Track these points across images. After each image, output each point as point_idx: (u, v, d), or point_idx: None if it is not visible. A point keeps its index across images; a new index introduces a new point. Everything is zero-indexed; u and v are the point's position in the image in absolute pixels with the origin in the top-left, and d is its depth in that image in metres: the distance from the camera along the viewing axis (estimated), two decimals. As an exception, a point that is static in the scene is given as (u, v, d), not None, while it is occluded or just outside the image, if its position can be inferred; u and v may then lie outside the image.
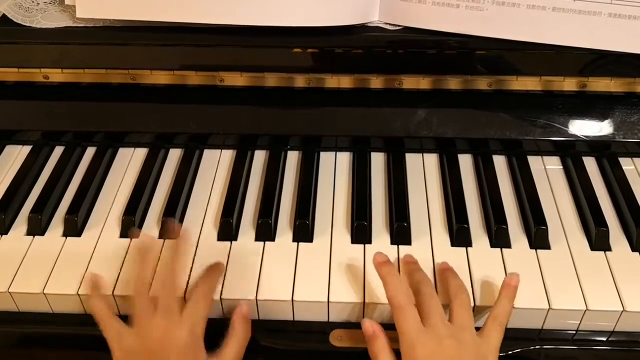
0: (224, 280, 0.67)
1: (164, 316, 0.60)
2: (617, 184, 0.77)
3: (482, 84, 0.79)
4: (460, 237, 0.71)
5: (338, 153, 0.83)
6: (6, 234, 0.73)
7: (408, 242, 0.71)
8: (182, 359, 0.59)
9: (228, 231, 0.72)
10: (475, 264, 0.68)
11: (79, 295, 0.67)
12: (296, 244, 0.71)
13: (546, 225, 0.71)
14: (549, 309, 0.64)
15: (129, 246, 0.71)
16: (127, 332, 0.61)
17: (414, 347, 0.58)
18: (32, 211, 0.74)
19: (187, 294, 0.65)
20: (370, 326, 0.62)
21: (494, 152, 0.81)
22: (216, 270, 0.67)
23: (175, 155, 0.83)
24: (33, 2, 0.76)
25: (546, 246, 0.70)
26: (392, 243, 0.71)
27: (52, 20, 0.75)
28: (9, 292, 0.67)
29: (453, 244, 0.71)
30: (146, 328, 0.60)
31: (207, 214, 0.75)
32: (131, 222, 0.73)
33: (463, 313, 0.61)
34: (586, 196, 0.75)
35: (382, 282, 0.63)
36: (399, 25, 0.74)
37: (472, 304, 0.64)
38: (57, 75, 0.81)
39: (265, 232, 0.72)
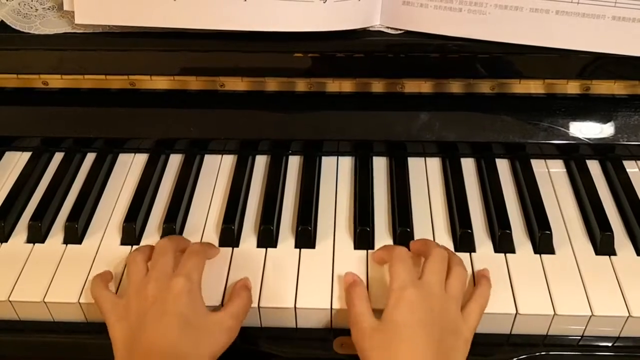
0: (225, 288, 0.66)
1: (158, 274, 0.61)
2: (621, 187, 0.76)
3: (485, 87, 0.78)
4: (463, 242, 0.70)
5: (340, 157, 0.82)
6: (6, 241, 0.73)
7: (411, 247, 0.71)
8: (180, 305, 0.58)
9: (229, 237, 0.71)
10: (479, 269, 0.68)
11: (79, 303, 0.66)
12: (298, 250, 0.70)
13: (550, 230, 0.70)
14: (553, 315, 0.64)
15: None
16: (122, 299, 0.62)
17: (404, 289, 0.59)
18: (32, 218, 0.73)
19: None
20: (351, 275, 0.65)
21: (497, 156, 0.81)
22: (212, 246, 0.69)
23: (175, 161, 0.83)
24: (31, 8, 0.75)
25: (550, 251, 0.70)
26: (395, 248, 0.71)
27: (50, 26, 0.74)
28: (9, 301, 0.66)
29: (456, 249, 0.70)
30: (141, 286, 0.61)
31: (207, 220, 0.75)
32: (132, 229, 0.72)
33: (456, 284, 0.62)
34: (590, 200, 0.75)
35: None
36: (400, 29, 0.73)
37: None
38: (56, 81, 0.80)
39: (267, 238, 0.71)
